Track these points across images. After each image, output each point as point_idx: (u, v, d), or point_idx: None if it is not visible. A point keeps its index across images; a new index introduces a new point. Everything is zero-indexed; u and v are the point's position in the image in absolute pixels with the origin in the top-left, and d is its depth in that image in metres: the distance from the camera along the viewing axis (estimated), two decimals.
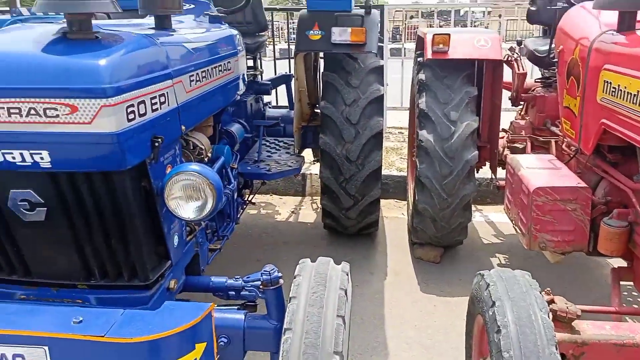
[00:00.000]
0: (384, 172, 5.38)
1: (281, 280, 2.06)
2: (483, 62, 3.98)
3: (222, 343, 1.96)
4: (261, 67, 5.96)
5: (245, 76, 3.31)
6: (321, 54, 4.41)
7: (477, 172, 4.68)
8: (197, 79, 2.19)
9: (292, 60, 3.92)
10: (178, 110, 1.98)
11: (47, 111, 1.51)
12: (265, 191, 5.45)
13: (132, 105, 1.62)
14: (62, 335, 1.40)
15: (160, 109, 1.82)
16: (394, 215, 5.00)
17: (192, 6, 3.04)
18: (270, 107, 4.67)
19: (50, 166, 1.59)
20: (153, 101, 1.76)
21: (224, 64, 2.60)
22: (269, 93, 4.38)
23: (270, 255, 4.17)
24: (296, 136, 3.93)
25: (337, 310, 1.83)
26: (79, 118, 1.52)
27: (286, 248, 4.31)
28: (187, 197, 1.80)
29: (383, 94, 3.82)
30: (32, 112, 1.51)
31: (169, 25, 2.22)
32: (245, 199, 3.78)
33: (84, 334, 1.40)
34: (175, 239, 2.05)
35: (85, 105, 1.51)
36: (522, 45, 4.24)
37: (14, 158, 1.57)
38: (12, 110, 1.51)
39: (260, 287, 2.06)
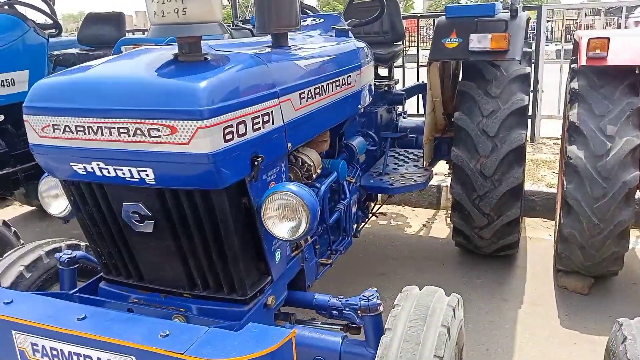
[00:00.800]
0: (532, 187, 4.94)
1: (380, 308, 1.96)
2: None
3: None
4: (403, 75, 5.88)
5: (372, 87, 3.25)
6: None
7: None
8: (309, 96, 2.18)
9: (425, 68, 3.74)
10: (284, 129, 1.98)
11: (151, 132, 1.60)
12: (397, 202, 5.33)
13: (231, 126, 1.65)
14: (148, 347, 1.47)
15: (263, 128, 1.83)
16: (540, 237, 4.54)
17: (321, 20, 3.05)
18: (404, 117, 4.53)
19: (154, 183, 1.69)
20: (255, 121, 1.78)
21: (343, 78, 2.56)
22: (402, 103, 4.25)
23: (394, 270, 4.06)
24: (426, 149, 3.75)
25: (434, 350, 1.68)
26: (178, 138, 1.58)
27: (412, 263, 4.15)
28: (282, 217, 1.79)
29: (527, 105, 3.48)
30: (138, 132, 1.61)
31: (285, 43, 2.24)
32: (369, 212, 3.70)
33: (167, 349, 1.45)
34: (278, 255, 2.06)
35: (183, 126, 1.57)
36: None
37: (124, 174, 1.70)
38: (121, 130, 1.63)
39: (359, 312, 1.97)
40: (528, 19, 4.37)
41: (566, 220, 3.29)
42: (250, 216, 1.86)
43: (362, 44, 3.01)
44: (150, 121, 1.59)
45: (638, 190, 3.79)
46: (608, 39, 3.16)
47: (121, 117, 1.62)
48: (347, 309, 2.08)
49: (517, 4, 3.49)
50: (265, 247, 1.96)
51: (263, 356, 1.43)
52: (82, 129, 1.68)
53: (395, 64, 4.59)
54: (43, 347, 1.64)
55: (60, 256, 2.29)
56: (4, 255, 2.40)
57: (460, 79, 3.96)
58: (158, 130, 1.59)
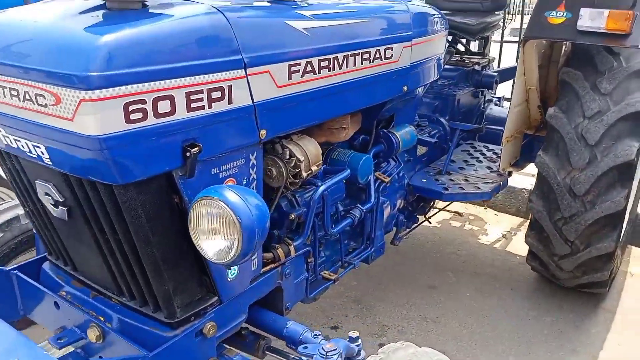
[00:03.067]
0: None
1: None
2: None
3: None
4: (500, 53, 4.96)
5: (440, 64, 2.62)
6: None
7: None
8: (307, 69, 1.65)
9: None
10: (254, 110, 1.49)
11: (38, 97, 1.21)
12: (479, 202, 4.58)
13: (141, 101, 1.20)
14: None
15: (210, 107, 1.36)
16: None
17: None
18: (497, 104, 3.77)
19: (50, 163, 1.31)
20: (192, 97, 1.31)
21: (378, 50, 1.98)
22: (492, 87, 3.49)
23: (450, 285, 3.43)
24: (505, 149, 3.02)
25: None
26: (62, 111, 1.17)
27: (474, 281, 3.49)
28: (210, 232, 1.33)
29: None
30: (27, 96, 1.23)
31: None
32: (421, 215, 3.10)
33: None
34: (231, 271, 1.61)
35: (67, 96, 1.15)
36: None
37: (22, 147, 1.34)
38: (12, 92, 1.26)
39: None
40: None
41: None
42: (184, 220, 1.42)
43: (424, 9, 2.37)
44: (36, 84, 1.20)
45: None
46: None
47: (12, 75, 1.25)
48: (303, 357, 1.58)
49: None
50: (209, 261, 1.51)
51: None
52: None
53: (493, 39, 3.81)
54: None
55: None
56: None
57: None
58: (44, 97, 1.19)
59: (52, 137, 1.23)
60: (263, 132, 1.55)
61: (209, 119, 1.36)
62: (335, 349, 1.47)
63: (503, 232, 4.20)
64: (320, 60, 1.70)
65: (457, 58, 3.64)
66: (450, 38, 3.60)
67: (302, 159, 1.74)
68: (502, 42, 4.90)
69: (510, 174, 3.42)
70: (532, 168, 3.36)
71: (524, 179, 4.41)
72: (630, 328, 3.02)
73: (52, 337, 1.59)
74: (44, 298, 1.74)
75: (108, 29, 1.19)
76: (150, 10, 1.33)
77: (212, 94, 1.36)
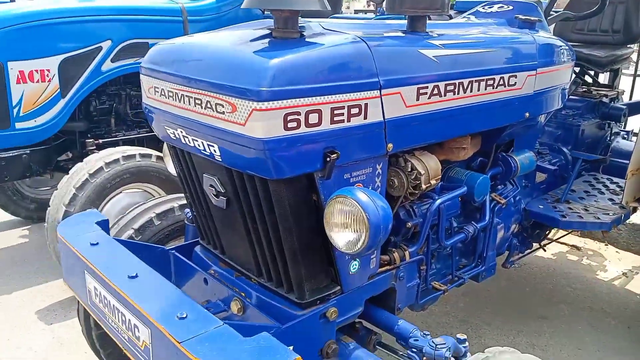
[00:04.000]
0: None
1: None
2: None
3: None
4: (633, 86, 4.77)
5: (565, 93, 2.67)
6: None
7: None
8: (434, 92, 1.85)
9: None
10: (384, 126, 1.72)
11: (217, 106, 1.52)
12: (599, 238, 4.41)
13: (297, 113, 1.47)
14: (158, 325, 1.43)
15: (348, 121, 1.60)
16: None
17: (510, 8, 2.58)
18: (625, 138, 3.66)
19: (220, 160, 1.62)
20: (336, 112, 1.56)
21: (502, 78, 2.12)
22: (619, 119, 3.42)
23: (560, 317, 3.38)
24: (628, 182, 2.95)
25: None
26: (236, 118, 1.47)
27: (587, 316, 3.40)
28: (341, 225, 1.56)
29: None
30: (208, 105, 1.55)
31: (420, 28, 1.93)
32: (537, 241, 3.11)
33: (170, 333, 1.39)
34: (354, 266, 1.83)
35: (241, 105, 1.45)
36: None
37: (199, 146, 1.67)
38: (196, 101, 1.59)
39: (424, 359, 1.64)
40: None
41: None
42: (320, 216, 1.67)
43: (551, 40, 2.46)
44: (217, 95, 1.52)
45: None
46: None
47: (197, 87, 1.58)
48: (413, 349, 1.75)
49: None
50: (336, 253, 1.74)
51: None
52: (172, 94, 1.70)
53: (625, 72, 3.72)
54: (100, 293, 1.74)
55: (188, 212, 2.42)
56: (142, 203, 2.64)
57: None
58: (222, 106, 1.51)
59: (226, 138, 1.53)
60: (390, 145, 1.76)
61: (347, 131, 1.60)
62: (445, 343, 1.62)
63: (624, 270, 4.01)
64: (446, 85, 1.88)
65: (584, 89, 3.62)
66: (577, 69, 3.60)
67: (422, 172, 1.92)
68: (635, 75, 4.71)
69: (635, 209, 3.31)
70: None
71: None
72: None
73: None
74: (194, 275, 2.08)
75: (274, 54, 1.48)
76: (306, 39, 1.61)
77: (352, 110, 1.60)
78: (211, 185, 1.79)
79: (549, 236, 3.63)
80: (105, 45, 3.66)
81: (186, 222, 2.43)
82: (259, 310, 1.79)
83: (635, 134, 3.67)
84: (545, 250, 3.55)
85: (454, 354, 1.66)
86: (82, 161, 3.32)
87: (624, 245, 4.31)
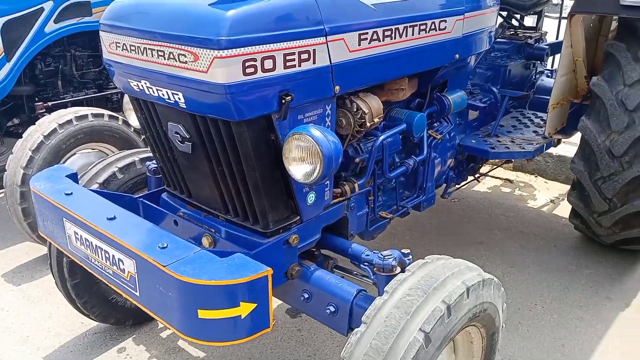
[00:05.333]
0: None
1: (397, 269, 1.87)
2: None
3: (328, 311, 1.95)
4: (559, 27, 5.10)
5: (491, 35, 2.93)
6: None
7: None
8: (373, 38, 2.05)
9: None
10: (330, 70, 1.91)
11: (180, 56, 1.67)
12: (530, 171, 4.85)
13: (253, 60, 1.65)
14: (143, 254, 1.62)
15: (299, 66, 1.79)
16: None
17: None
18: (549, 76, 4.00)
19: (185, 107, 1.78)
20: (288, 57, 1.74)
21: (433, 22, 2.34)
22: (542, 59, 3.76)
23: (496, 242, 3.78)
24: (551, 115, 3.31)
25: (422, 324, 1.58)
26: (199, 66, 1.63)
27: (519, 238, 3.82)
28: (298, 159, 1.77)
29: None
30: (171, 56, 1.70)
31: None
32: (471, 173, 3.44)
33: (155, 259, 1.58)
34: (310, 198, 2.05)
35: (203, 54, 1.61)
36: None
37: (163, 95, 1.82)
38: (159, 53, 1.73)
39: (375, 269, 1.91)
40: None
41: None
42: (278, 154, 1.87)
43: None
44: (179, 46, 1.66)
45: None
46: None
47: (160, 40, 1.72)
48: (366, 263, 2.02)
49: None
50: (295, 187, 1.96)
51: (229, 285, 1.48)
52: (134, 48, 1.82)
53: (546, 16, 4.04)
54: (81, 236, 1.89)
55: (149, 164, 2.56)
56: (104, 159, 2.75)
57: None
58: (185, 55, 1.66)
59: (189, 85, 1.69)
60: (337, 87, 1.97)
61: (299, 74, 1.79)
62: (391, 255, 1.89)
63: (551, 197, 4.46)
64: (384, 30, 2.09)
65: (511, 32, 3.91)
66: (505, 14, 3.88)
67: (366, 111, 2.15)
68: (560, 17, 5.07)
69: (559, 141, 3.69)
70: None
71: (574, 148, 4.63)
72: None
73: None
74: (164, 218, 2.26)
75: (230, 6, 1.64)
76: None
77: (302, 55, 1.79)
78: (176, 132, 1.95)
79: (485, 171, 4.00)
80: (47, 5, 3.63)
81: (148, 174, 2.58)
82: (229, 242, 2.00)
83: None
84: (479, 182, 3.91)
85: (399, 263, 1.93)
86: (34, 124, 3.36)
87: (552, 175, 4.76)
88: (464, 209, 4.27)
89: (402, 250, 2.03)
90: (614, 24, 3.50)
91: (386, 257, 1.87)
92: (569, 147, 4.56)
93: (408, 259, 1.99)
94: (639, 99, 2.90)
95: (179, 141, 1.97)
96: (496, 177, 4.69)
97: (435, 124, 2.84)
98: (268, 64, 1.69)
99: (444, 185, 3.20)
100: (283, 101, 1.77)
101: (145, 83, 1.86)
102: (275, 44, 1.70)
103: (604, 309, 3.05)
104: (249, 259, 1.62)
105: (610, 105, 2.99)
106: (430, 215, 4.05)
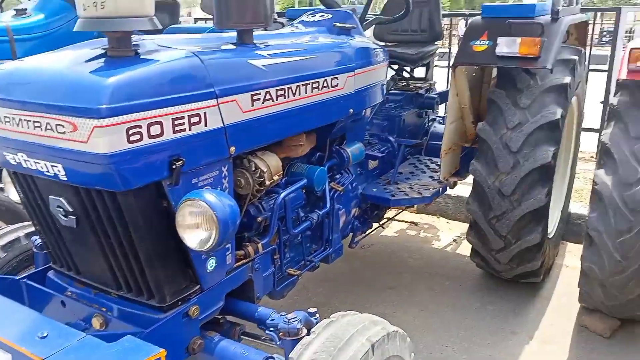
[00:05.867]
0: (578, 210, 4.47)
1: (304, 331, 1.81)
2: None
3: None
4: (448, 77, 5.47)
5: (383, 89, 3.05)
6: None
7: None
8: (267, 97, 2.05)
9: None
10: (224, 132, 1.88)
11: (58, 127, 1.56)
12: (432, 212, 5.04)
13: (138, 127, 1.57)
14: (19, 347, 1.45)
15: (190, 130, 1.74)
16: (578, 266, 4.08)
17: (330, 17, 2.89)
18: (440, 123, 4.24)
19: (66, 179, 1.66)
20: (177, 122, 1.69)
21: (326, 80, 2.40)
22: (433, 107, 3.98)
23: (406, 286, 3.83)
24: (444, 160, 3.48)
25: None
26: (78, 136, 1.53)
27: (427, 280, 3.90)
28: (194, 226, 1.69)
29: (559, 119, 3.11)
30: (48, 127, 1.58)
31: (248, 40, 2.13)
32: (376, 221, 3.50)
33: (32, 352, 1.42)
34: (211, 264, 1.96)
35: (82, 124, 1.51)
36: None
37: (42, 168, 1.68)
38: (36, 124, 1.61)
39: (280, 334, 1.84)
40: (585, 22, 3.94)
41: (587, 253, 2.94)
42: (172, 221, 1.78)
43: (364, 44, 2.81)
44: (57, 117, 1.56)
45: None
46: None
47: (35, 110, 1.60)
48: (271, 328, 1.95)
49: (558, 5, 3.12)
50: (192, 254, 1.87)
51: None
52: (8, 119, 1.68)
53: (437, 65, 4.32)
54: None
55: (36, 239, 2.34)
56: None
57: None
58: (63, 126, 1.55)
59: (69, 157, 1.58)
60: (232, 148, 1.94)
61: (190, 138, 1.74)
62: (296, 317, 1.83)
63: (454, 237, 4.64)
64: (277, 90, 2.10)
65: (403, 83, 4.12)
66: (396, 67, 4.09)
67: (265, 170, 2.12)
68: (449, 67, 5.43)
69: (455, 183, 3.88)
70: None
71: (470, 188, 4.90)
72: (561, 311, 3.46)
73: None
74: (51, 300, 2.05)
75: (110, 72, 1.57)
76: (141, 57, 1.71)
77: (192, 119, 1.74)
78: (58, 206, 1.80)
79: (389, 215, 4.09)
80: None
81: (34, 250, 2.36)
82: (121, 321, 1.85)
83: None
84: (384, 229, 3.99)
85: (305, 324, 1.88)
86: None
87: (452, 215, 4.97)
88: (374, 256, 4.33)
89: (309, 310, 1.98)
90: (495, 72, 3.80)
91: (291, 321, 1.81)
92: (466, 188, 4.79)
93: (315, 319, 1.95)
94: (520, 140, 3.12)
95: (62, 215, 1.81)
96: (402, 221, 4.82)
97: (337, 176, 2.88)
98: (155, 129, 1.62)
99: (351, 234, 3.22)
100: (174, 166, 1.70)
101: (22, 156, 1.71)
102: (162, 109, 1.64)
103: (510, 344, 3.16)
104: (140, 342, 1.49)
105: (496, 148, 3.19)
106: (342, 265, 4.05)
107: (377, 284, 3.87)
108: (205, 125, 1.80)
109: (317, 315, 1.98)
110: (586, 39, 4.00)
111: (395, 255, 4.33)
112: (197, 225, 1.69)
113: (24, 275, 2.16)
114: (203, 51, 1.85)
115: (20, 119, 1.65)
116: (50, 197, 1.81)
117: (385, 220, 3.73)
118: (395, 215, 4.19)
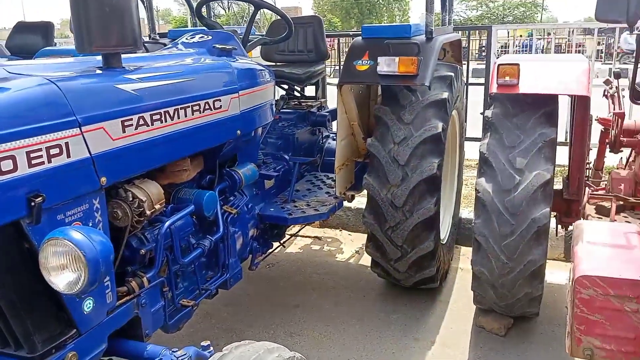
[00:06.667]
0: (468, 215, 4.71)
1: None
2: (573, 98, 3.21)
3: None
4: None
5: (272, 108, 3.04)
6: None
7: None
8: (140, 123, 1.96)
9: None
10: (92, 162, 1.76)
11: None
12: (334, 225, 5.10)
13: None
14: None
15: (49, 162, 1.61)
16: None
17: (209, 38, 2.84)
18: (334, 139, 4.30)
19: None
20: (32, 155, 1.56)
21: (207, 102, 2.34)
22: (325, 125, 4.04)
23: (312, 302, 3.81)
24: (338, 176, 3.52)
25: None
26: None
27: (332, 294, 3.90)
28: (60, 267, 1.56)
29: (441, 132, 3.25)
30: None
31: (116, 64, 2.02)
32: (276, 240, 3.47)
33: None
34: (87, 305, 1.82)
35: None
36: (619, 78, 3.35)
37: None
38: None
39: None
40: (459, 40, 4.18)
41: (476, 257, 3.08)
42: (37, 263, 1.62)
43: (248, 65, 2.79)
44: None
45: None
46: (518, 65, 2.95)
47: None
48: None
49: (431, 25, 3.29)
50: (64, 297, 1.72)
51: None
52: None
53: (329, 83, 4.39)
54: None
55: None
56: None
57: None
58: None
59: None
60: (103, 179, 1.82)
61: (49, 172, 1.61)
62: (185, 354, 1.74)
63: (356, 248, 4.71)
64: (151, 115, 2.01)
65: (295, 102, 4.15)
66: (286, 86, 4.11)
67: (144, 199, 2.02)
68: (338, 84, 5.54)
69: (353, 197, 3.94)
70: None
71: None
72: (459, 314, 3.60)
73: None
74: None
75: None
76: None
77: (51, 150, 1.61)
78: None
79: (292, 232, 4.07)
80: None
81: None
82: None
83: None
84: (285, 247, 3.97)
85: (198, 359, 1.79)
86: None
87: (353, 227, 5.05)
88: (279, 274, 4.28)
89: (202, 343, 1.90)
90: (380, 89, 3.93)
91: (180, 358, 1.72)
92: (365, 200, 4.90)
93: (209, 352, 1.87)
94: (407, 154, 3.23)
95: None
96: (305, 236, 4.82)
97: (230, 199, 2.81)
98: (6, 165, 1.49)
99: (250, 256, 3.15)
100: (33, 203, 1.56)
101: None
102: (12, 142, 1.50)
103: (413, 351, 3.23)
104: None
105: (386, 162, 3.28)
106: (247, 287, 3.97)
107: (284, 303, 3.82)
108: (68, 157, 1.67)
109: (211, 348, 1.90)
110: (461, 55, 4.25)
111: (300, 271, 4.31)
112: (63, 267, 1.55)
113: None
114: (62, 77, 1.73)
115: None
116: None
117: (288, 237, 3.70)
118: (298, 232, 4.18)
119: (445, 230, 4.01)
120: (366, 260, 4.46)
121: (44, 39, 4.93)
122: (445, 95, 3.37)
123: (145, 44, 3.86)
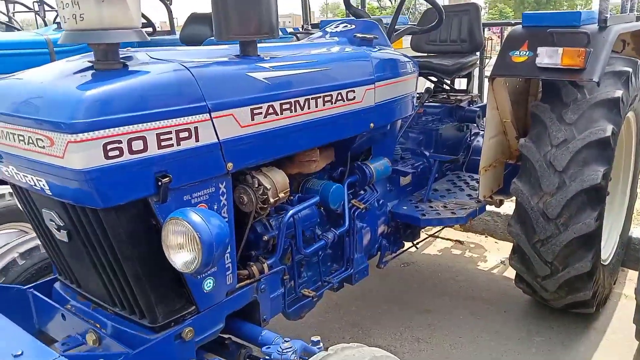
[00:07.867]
0: None
1: None
2: None
3: None
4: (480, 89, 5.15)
5: (413, 101, 2.89)
6: None
7: None
8: (270, 112, 1.96)
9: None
10: (220, 147, 1.80)
11: (38, 141, 1.54)
12: (480, 230, 4.75)
13: (118, 142, 1.52)
14: None
15: (179, 145, 1.67)
16: None
17: (353, 27, 2.77)
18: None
19: (51, 194, 1.63)
20: (163, 137, 1.62)
21: (340, 93, 2.28)
22: (474, 121, 3.74)
23: (445, 309, 3.60)
24: (483, 178, 3.24)
25: None
26: (55, 151, 1.50)
27: (469, 305, 3.64)
28: (178, 246, 1.61)
29: (610, 136, 2.81)
30: (30, 140, 1.56)
31: (252, 52, 2.04)
32: (403, 241, 3.30)
33: None
34: (207, 284, 1.88)
35: (58, 139, 1.48)
36: None
37: (29, 181, 1.67)
38: (20, 137, 1.60)
39: None
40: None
41: None
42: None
43: (388, 55, 2.67)
44: (36, 130, 1.53)
45: None
46: None
47: (19, 124, 1.59)
48: (267, 357, 1.82)
49: (606, 13, 2.84)
50: (185, 275, 1.79)
51: None
52: (2, 133, 1.69)
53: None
54: None
55: None
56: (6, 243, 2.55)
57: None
58: (42, 140, 1.53)
59: (50, 171, 1.55)
60: (230, 164, 1.85)
61: (177, 154, 1.67)
62: (291, 347, 1.71)
63: (502, 258, 4.34)
64: (281, 104, 2.00)
65: (443, 96, 3.92)
66: (434, 79, 3.90)
67: (269, 187, 2.02)
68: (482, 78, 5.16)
69: (501, 202, 3.61)
70: None
71: None
72: (616, 347, 3.11)
73: (57, 343, 1.89)
74: (53, 311, 2.05)
75: (90, 86, 1.53)
76: (129, 69, 1.67)
77: (180, 134, 1.67)
78: (51, 220, 1.78)
79: (432, 233, 3.87)
80: None
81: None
82: (113, 340, 1.80)
83: None
84: (417, 249, 3.77)
85: (305, 353, 1.75)
86: None
87: (501, 235, 4.65)
88: (414, 274, 4.11)
89: (312, 338, 1.85)
90: (541, 84, 3.53)
91: (285, 351, 1.69)
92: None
93: (318, 347, 1.82)
94: (567, 159, 2.85)
95: (55, 229, 1.80)
96: (446, 239, 4.57)
97: (360, 193, 2.73)
98: (137, 145, 1.57)
99: (378, 254, 3.05)
100: (160, 183, 1.63)
101: (13, 169, 1.71)
102: (144, 124, 1.58)
103: None
104: None
105: (540, 166, 2.93)
106: (378, 283, 3.89)
107: (415, 305, 3.66)
108: (197, 141, 1.72)
109: (321, 344, 1.85)
110: None
111: (436, 275, 4.10)
112: (181, 246, 1.61)
113: (30, 285, 2.17)
114: (196, 64, 1.79)
115: (8, 132, 1.64)
116: (44, 210, 1.80)
117: (424, 238, 3.52)
118: (437, 232, 3.96)
119: (609, 249, 3.49)
120: (512, 272, 4.06)
121: (212, 29, 5.28)
122: (619, 93, 2.90)
123: (297, 34, 3.94)
